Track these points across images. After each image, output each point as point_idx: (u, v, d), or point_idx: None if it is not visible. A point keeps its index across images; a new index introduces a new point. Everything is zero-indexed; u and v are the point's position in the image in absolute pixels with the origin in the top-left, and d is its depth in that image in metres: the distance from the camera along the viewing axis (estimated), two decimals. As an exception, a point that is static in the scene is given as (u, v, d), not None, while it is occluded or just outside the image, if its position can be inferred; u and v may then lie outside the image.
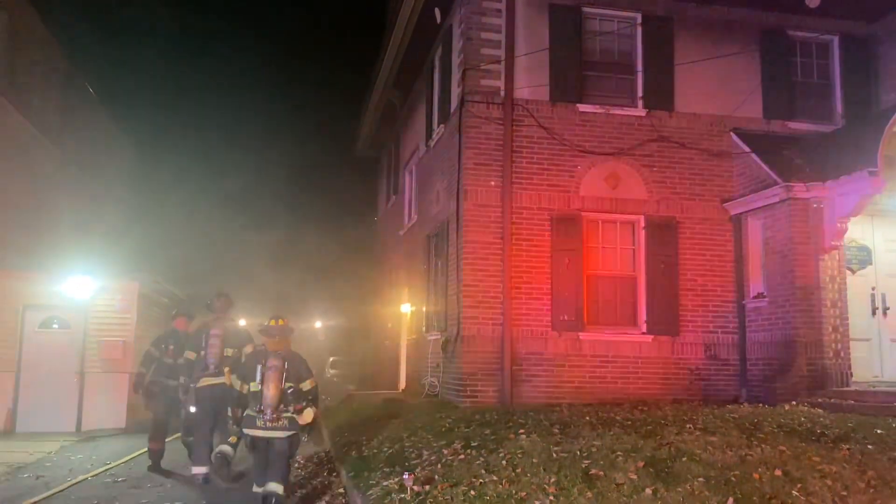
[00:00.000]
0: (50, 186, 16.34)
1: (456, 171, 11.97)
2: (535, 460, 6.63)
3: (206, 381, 8.93)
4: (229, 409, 7.95)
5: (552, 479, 6.14)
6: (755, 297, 11.65)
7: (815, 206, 10.87)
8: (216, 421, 8.96)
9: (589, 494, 5.85)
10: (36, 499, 7.74)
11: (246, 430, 7.36)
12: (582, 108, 12.06)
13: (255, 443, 7.34)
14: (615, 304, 11.98)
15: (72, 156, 17.74)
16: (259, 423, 7.25)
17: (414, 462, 7.33)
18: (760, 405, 10.28)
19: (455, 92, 12.52)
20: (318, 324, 33.61)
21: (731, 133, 12.29)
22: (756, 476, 6.15)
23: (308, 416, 7.34)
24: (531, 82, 11.88)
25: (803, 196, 10.87)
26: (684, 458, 6.57)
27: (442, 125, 13.45)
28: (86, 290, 13.87)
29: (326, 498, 7.86)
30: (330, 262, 30.09)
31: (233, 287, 30.93)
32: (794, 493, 5.89)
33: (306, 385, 7.46)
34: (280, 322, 7.71)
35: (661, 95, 12.30)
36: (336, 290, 28.90)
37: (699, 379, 11.75)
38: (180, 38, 45.83)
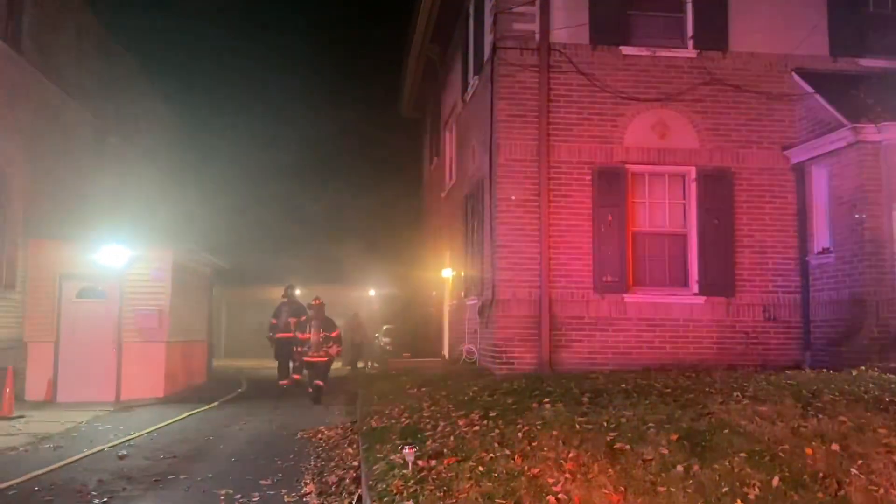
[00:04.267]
0: (88, 155, 16.23)
1: (488, 124, 11.19)
2: (554, 432, 5.93)
3: (282, 335, 15.29)
4: (294, 349, 14.64)
5: (570, 454, 5.45)
6: (820, 253, 10.58)
7: (886, 149, 9.69)
8: (289, 356, 15.18)
9: (610, 472, 5.15)
10: (37, 472, 7.45)
11: (304, 359, 14.13)
12: (626, 50, 11.08)
13: (308, 364, 14.07)
14: (663, 264, 11.08)
15: (111, 125, 17.62)
16: (310, 353, 13.93)
17: (427, 434, 6.73)
18: (824, 370, 9.28)
19: (488, 40, 11.69)
20: (371, 292, 33.29)
21: (793, 73, 11.13)
22: (809, 451, 5.36)
23: (333, 350, 14.19)
24: (569, 23, 10.95)
25: (874, 138, 9.72)
26: (725, 431, 5.78)
27: (476, 77, 12.66)
28: (120, 259, 13.69)
29: (340, 472, 7.35)
30: (381, 230, 29.71)
31: (282, 256, 31.02)
32: (854, 470, 5.08)
33: (333, 334, 14.16)
34: (318, 301, 14.31)
35: (713, 34, 11.21)
36: (388, 258, 28.47)
37: (757, 343, 10.79)
38: (219, 2, 45.58)
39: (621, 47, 11.07)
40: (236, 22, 47.34)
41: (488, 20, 11.63)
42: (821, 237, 10.65)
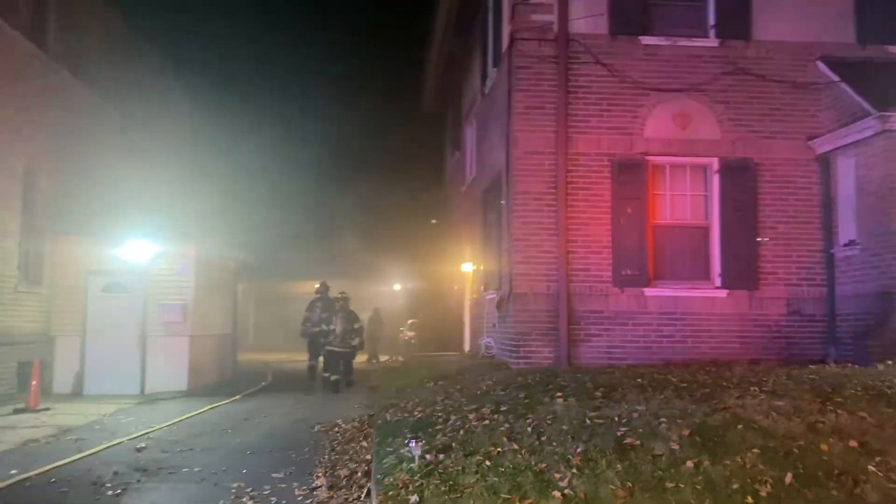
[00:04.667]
0: (114, 152, 16.41)
1: (506, 116, 11.10)
2: (564, 427, 5.87)
3: (316, 329, 15.83)
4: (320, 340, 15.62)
5: (579, 449, 5.37)
6: (846, 245, 10.33)
7: (916, 138, 9.43)
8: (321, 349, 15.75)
9: (618, 467, 5.06)
10: (55, 464, 7.56)
11: (328, 348, 15.17)
12: (646, 40, 10.90)
13: (331, 353, 15.12)
14: (685, 257, 10.89)
15: (136, 121, 17.80)
16: (334, 344, 15.08)
17: (437, 428, 6.69)
18: (849, 365, 9.07)
19: (506, 31, 11.58)
20: (396, 286, 33.36)
21: (818, 62, 10.86)
22: (825, 447, 5.21)
23: (356, 341, 15.50)
24: (588, 13, 10.79)
25: (902, 127, 9.45)
26: (739, 426, 5.66)
27: (495, 69, 12.56)
28: (144, 254, 13.87)
29: (353, 465, 7.36)
30: (405, 225, 29.71)
31: (309, 251, 31.19)
32: (871, 468, 4.94)
33: (357, 326, 15.54)
34: (342, 295, 15.87)
35: (736, 22, 10.98)
36: (412, 253, 28.51)
37: (781, 337, 10.57)
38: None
39: (641, 37, 10.89)
40: (259, 19, 47.57)
41: (506, 11, 11.52)
42: (847, 229, 10.39)
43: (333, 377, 14.83)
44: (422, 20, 20.77)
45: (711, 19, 11.05)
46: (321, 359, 15.82)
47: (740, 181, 10.79)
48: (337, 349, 15.05)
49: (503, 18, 11.89)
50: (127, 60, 17.37)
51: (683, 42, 10.93)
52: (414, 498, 4.96)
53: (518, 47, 10.78)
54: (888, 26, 11.02)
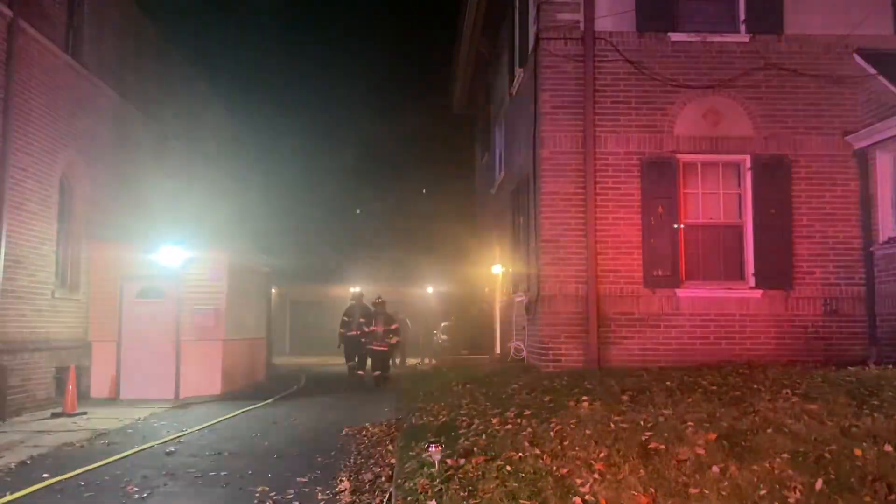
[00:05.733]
0: (148, 159, 16.67)
1: (533, 116, 10.99)
2: (588, 431, 5.75)
3: (353, 332, 17.26)
4: (362, 340, 17.04)
5: (602, 454, 5.27)
6: (885, 243, 10.02)
7: (957, 130, 9.10)
8: (358, 350, 17.25)
9: (642, 472, 4.94)
10: (87, 467, 7.67)
11: (369, 347, 16.80)
12: (674, 36, 10.71)
13: (373, 353, 16.83)
14: (718, 257, 10.67)
15: (170, 129, 18.06)
16: (375, 344, 16.70)
17: (461, 432, 6.64)
18: (890, 367, 8.77)
19: (532, 31, 11.49)
20: (429, 289, 33.35)
21: (854, 54, 10.56)
22: (858, 452, 5.02)
23: (393, 340, 17.26)
24: (614, 10, 10.65)
25: (942, 120, 9.13)
26: (769, 430, 5.50)
27: (521, 69, 12.47)
28: (176, 260, 14.02)
29: (377, 469, 7.32)
30: (438, 228, 29.70)
31: (343, 256, 31.34)
32: (907, 474, 4.72)
33: (393, 327, 17.09)
34: (380, 299, 17.43)
35: (767, 16, 10.73)
36: (445, 255, 28.51)
37: (818, 338, 10.29)
38: (273, 7, 46.28)
39: (669, 34, 10.71)
40: (292, 27, 48.11)
41: (532, 11, 11.43)
42: (886, 226, 10.08)
43: (376, 372, 16.79)
44: (452, 22, 20.70)
45: (741, 13, 10.81)
46: (367, 360, 17.26)
47: (774, 178, 10.54)
48: (378, 348, 16.82)
49: (529, 18, 11.80)
50: (162, 70, 17.63)
51: (713, 37, 10.72)
52: (433, 503, 4.90)
53: (544, 47, 10.68)
54: (927, 16, 10.67)
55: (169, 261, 14.00)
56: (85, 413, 11.83)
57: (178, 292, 14.38)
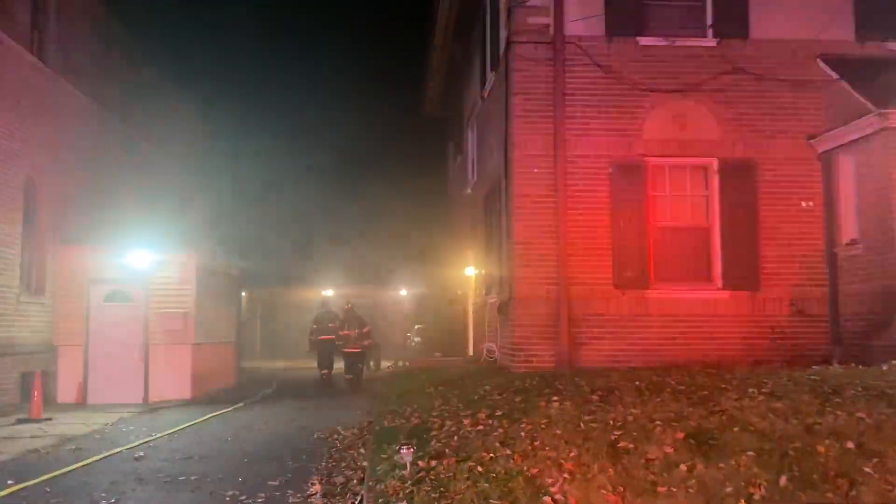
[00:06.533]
0: (116, 161, 16.46)
1: (504, 120, 11.06)
2: (558, 431, 5.81)
3: (323, 337, 17.63)
4: (336, 344, 17.41)
5: (572, 454, 5.32)
6: (848, 244, 10.23)
7: (917, 134, 9.33)
8: (329, 353, 17.70)
9: (611, 472, 5.00)
10: (53, 474, 7.56)
11: (343, 350, 17.17)
12: (643, 41, 10.86)
13: (346, 356, 17.22)
14: (686, 259, 10.82)
15: (138, 130, 17.86)
16: (347, 347, 17.09)
17: (433, 434, 6.66)
18: (854, 366, 8.97)
19: (503, 34, 11.56)
20: (403, 292, 33.33)
21: (818, 59, 10.78)
22: (821, 449, 5.13)
23: (366, 343, 17.54)
24: (584, 15, 10.74)
25: (902, 124, 9.35)
26: (736, 428, 5.59)
27: (493, 73, 12.54)
28: (145, 263, 13.89)
29: (349, 472, 7.31)
30: (411, 231, 29.72)
31: (315, 259, 31.17)
32: (868, 469, 4.84)
33: (364, 330, 17.40)
34: (349, 305, 17.98)
35: (733, 21, 10.91)
36: (418, 258, 28.52)
37: (784, 338, 10.47)
38: (244, 9, 45.93)
39: (638, 38, 10.85)
40: (261, 27, 47.80)
41: (503, 15, 11.50)
42: (849, 228, 10.30)
43: (349, 375, 17.16)
44: (425, 21, 20.71)
45: (709, 18, 10.98)
46: (333, 362, 17.75)
47: (741, 181, 10.72)
48: (351, 350, 17.24)
49: (500, 22, 11.88)
50: (128, 71, 17.45)
51: (681, 42, 10.88)
52: (404, 505, 4.92)
53: (515, 51, 10.75)
54: (887, 23, 10.92)
55: (137, 264, 13.86)
56: (51, 419, 11.65)
57: (146, 296, 14.24)
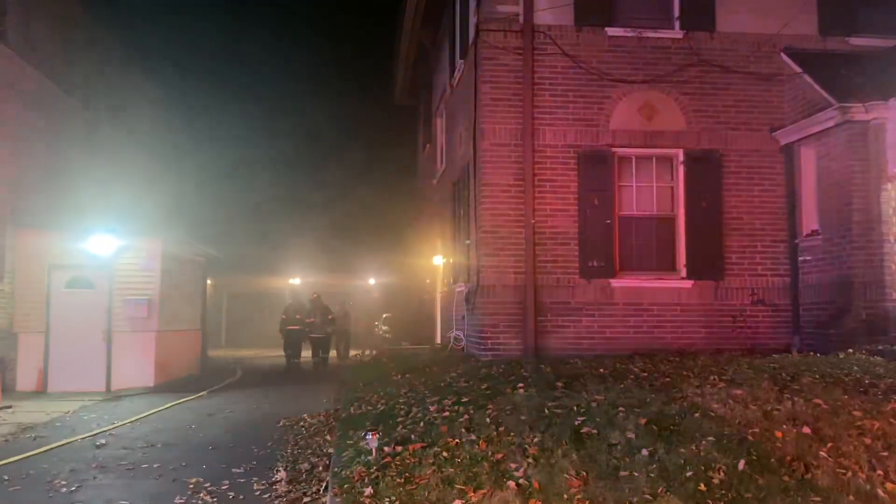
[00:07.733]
0: (78, 144, 16.13)
1: (473, 108, 11.06)
2: (522, 417, 5.86)
3: (292, 326, 19.07)
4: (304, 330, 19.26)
5: (536, 439, 5.37)
6: (808, 235, 10.44)
7: (875, 128, 9.53)
8: (297, 342, 19.18)
9: (574, 456, 5.06)
10: (11, 460, 7.43)
11: (311, 336, 19.20)
12: (611, 31, 10.91)
13: (314, 341, 19.27)
14: (651, 248, 10.94)
15: (102, 114, 17.51)
16: (313, 333, 19.17)
17: (399, 420, 6.66)
18: (812, 354, 9.18)
19: (472, 22, 11.53)
20: (371, 281, 33.23)
21: (781, 53, 10.94)
22: (779, 434, 5.24)
23: (330, 329, 19.82)
24: (553, 4, 10.76)
25: (862, 118, 9.55)
26: (696, 414, 5.69)
27: (462, 61, 12.51)
28: (108, 249, 13.65)
29: (315, 459, 7.30)
30: (379, 219, 29.63)
31: (282, 247, 30.93)
32: (823, 454, 4.96)
33: (330, 317, 19.66)
34: (316, 295, 20.19)
35: (700, 14, 11.02)
36: (387, 247, 28.45)
37: (746, 327, 10.67)
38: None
39: (606, 28, 10.90)
40: (229, 10, 47.14)
41: (472, 2, 11.48)
42: (809, 219, 10.50)
43: (315, 358, 19.27)
44: (394, 9, 20.62)
45: (676, 10, 11.07)
46: (300, 350, 19.33)
47: (706, 172, 10.85)
48: (317, 335, 19.41)
49: (470, 10, 11.85)
50: (90, 51, 17.07)
51: (649, 33, 10.96)
52: (369, 490, 4.92)
53: (484, 39, 10.74)
54: (849, 18, 11.13)
55: (100, 249, 13.62)
56: (10, 406, 11.45)
57: (109, 282, 14.01)
